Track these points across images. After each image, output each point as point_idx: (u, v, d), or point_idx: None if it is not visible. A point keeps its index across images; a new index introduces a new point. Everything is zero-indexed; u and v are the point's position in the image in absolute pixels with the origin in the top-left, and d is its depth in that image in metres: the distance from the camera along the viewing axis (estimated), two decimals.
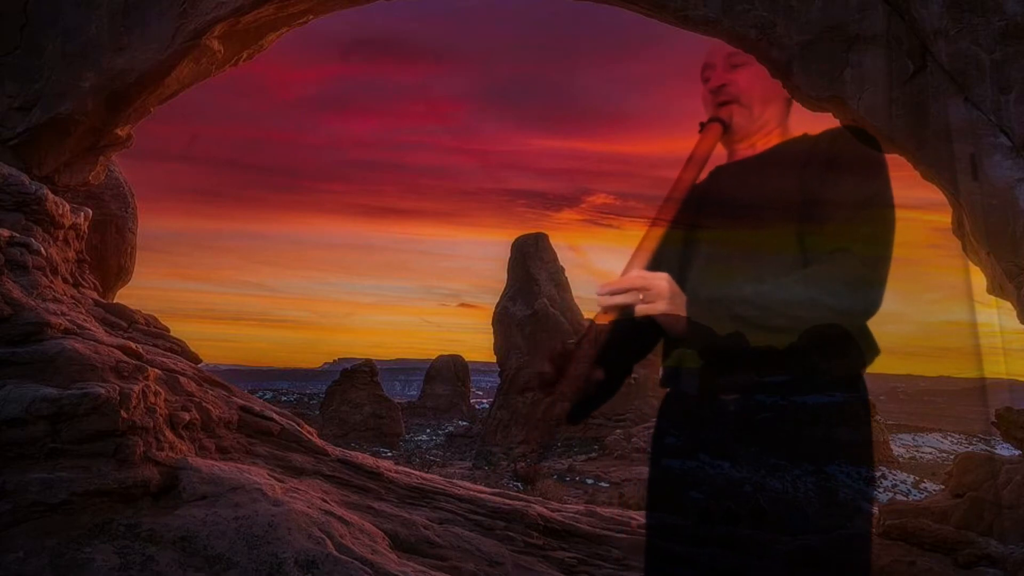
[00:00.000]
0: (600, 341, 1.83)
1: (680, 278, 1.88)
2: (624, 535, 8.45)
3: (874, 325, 1.90)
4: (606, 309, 1.81)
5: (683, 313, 1.79)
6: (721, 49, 2.18)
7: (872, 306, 1.82)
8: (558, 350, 1.88)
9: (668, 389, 2.13)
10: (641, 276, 1.80)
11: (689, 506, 2.02)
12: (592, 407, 2.03)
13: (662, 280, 1.79)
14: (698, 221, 2.02)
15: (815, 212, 1.90)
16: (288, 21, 9.31)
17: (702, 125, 2.10)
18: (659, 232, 1.91)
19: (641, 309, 1.79)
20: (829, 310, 1.79)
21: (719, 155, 2.14)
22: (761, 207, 1.98)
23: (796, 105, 2.22)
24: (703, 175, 2.06)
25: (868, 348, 1.94)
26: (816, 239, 1.89)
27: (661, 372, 2.10)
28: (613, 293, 1.80)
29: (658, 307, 1.78)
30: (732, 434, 1.97)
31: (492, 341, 47.97)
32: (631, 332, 1.91)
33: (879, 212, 1.89)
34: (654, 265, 1.87)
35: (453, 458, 41.22)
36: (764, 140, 2.13)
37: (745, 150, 2.14)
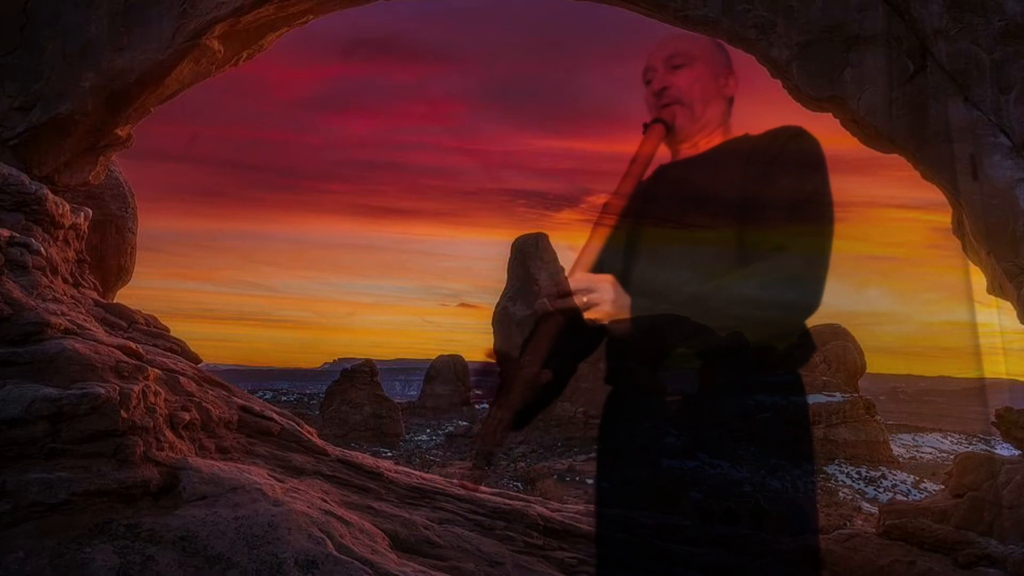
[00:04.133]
0: (547, 343, 1.87)
1: (624, 278, 1.92)
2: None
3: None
4: (552, 312, 1.84)
5: (627, 315, 1.81)
6: (661, 51, 2.20)
7: (811, 303, 1.85)
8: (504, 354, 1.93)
9: (611, 387, 2.16)
10: (586, 279, 1.83)
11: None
12: (539, 410, 2.06)
13: (606, 283, 1.82)
14: (641, 221, 2.07)
15: (754, 212, 1.93)
16: (288, 21, 9.31)
17: (645, 126, 2.13)
18: (604, 232, 1.95)
19: (587, 313, 1.82)
20: (770, 308, 1.82)
21: (663, 155, 2.18)
22: (702, 207, 2.02)
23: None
24: (647, 174, 2.09)
25: (807, 345, 1.97)
26: (755, 238, 1.92)
27: (605, 370, 2.12)
28: (559, 296, 1.82)
29: (603, 310, 1.80)
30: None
31: (492, 341, 48.01)
32: (575, 332, 1.93)
33: (818, 209, 1.91)
34: (599, 265, 1.91)
35: (453, 458, 41.22)
36: (706, 140, 2.16)
37: (688, 150, 2.18)
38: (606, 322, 1.85)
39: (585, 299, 1.81)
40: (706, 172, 2.08)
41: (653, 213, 2.07)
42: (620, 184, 2.00)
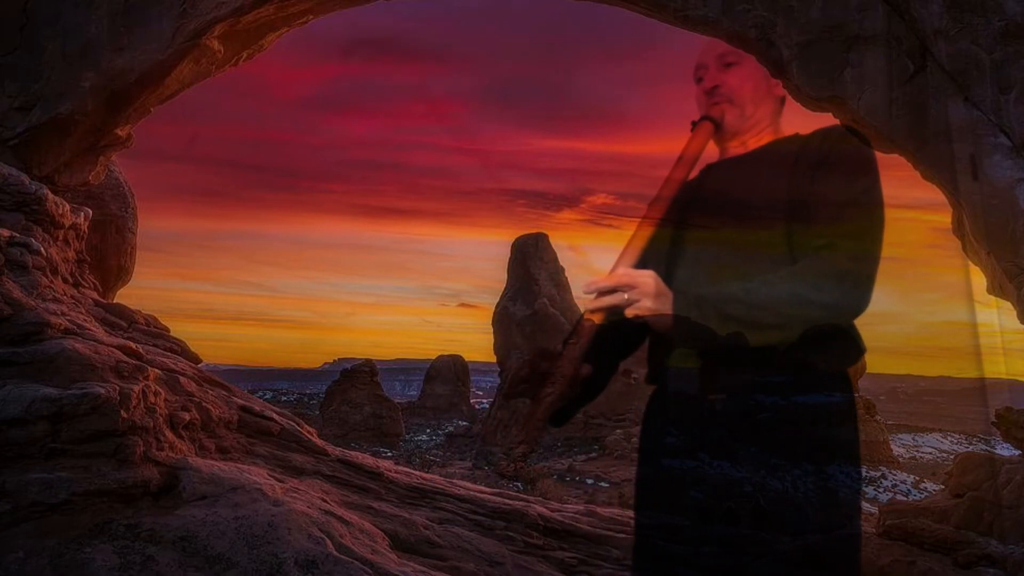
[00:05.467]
0: (588, 340, 1.84)
1: (668, 275, 1.89)
2: (624, 535, 8.45)
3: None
4: (594, 308, 1.81)
5: (670, 311, 1.79)
6: (713, 49, 2.20)
7: (860, 302, 1.82)
8: (547, 352, 1.89)
9: (655, 386, 2.14)
10: (628, 274, 1.81)
11: (689, 506, 2.02)
12: (578, 407, 2.02)
13: (648, 278, 1.79)
14: (687, 218, 2.04)
15: (803, 210, 1.91)
16: (288, 21, 9.30)
17: (694, 124, 2.11)
18: (648, 230, 1.92)
19: (629, 309, 1.79)
20: (817, 307, 1.80)
21: (711, 153, 2.16)
22: (750, 205, 2.00)
23: (788, 105, 2.24)
24: (694, 173, 2.07)
25: (854, 346, 1.94)
26: (804, 237, 1.89)
27: (647, 369, 2.11)
28: (600, 292, 1.80)
29: (645, 305, 1.78)
30: (732, 434, 1.97)
31: (492, 341, 48.01)
32: (617, 330, 1.91)
33: (867, 210, 1.89)
34: (642, 263, 1.88)
35: (453, 458, 41.22)
36: (755, 139, 2.15)
37: (736, 148, 2.15)
38: (648, 318, 1.81)
39: (627, 295, 1.78)
40: (755, 170, 2.06)
41: (700, 210, 2.04)
42: (666, 181, 1.98)
